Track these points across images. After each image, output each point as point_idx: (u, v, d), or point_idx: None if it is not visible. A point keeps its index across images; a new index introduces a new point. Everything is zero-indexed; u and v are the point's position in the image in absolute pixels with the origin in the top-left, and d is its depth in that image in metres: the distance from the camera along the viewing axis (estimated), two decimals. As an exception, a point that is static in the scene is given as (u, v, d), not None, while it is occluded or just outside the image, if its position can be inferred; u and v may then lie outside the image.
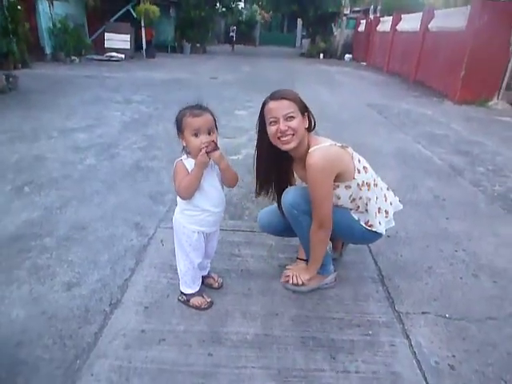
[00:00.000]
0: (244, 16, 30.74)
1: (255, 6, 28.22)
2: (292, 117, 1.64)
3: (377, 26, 16.61)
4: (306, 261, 2.01)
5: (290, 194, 1.80)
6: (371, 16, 19.22)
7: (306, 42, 23.06)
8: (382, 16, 17.43)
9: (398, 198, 1.96)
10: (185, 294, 1.82)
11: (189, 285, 1.80)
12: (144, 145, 4.21)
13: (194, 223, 1.68)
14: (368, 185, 1.76)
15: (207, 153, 1.54)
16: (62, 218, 2.58)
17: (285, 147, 1.69)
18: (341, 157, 1.70)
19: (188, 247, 1.71)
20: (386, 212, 1.86)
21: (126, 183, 3.20)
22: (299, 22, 28.49)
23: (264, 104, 1.71)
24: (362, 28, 19.32)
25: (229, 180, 1.70)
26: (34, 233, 2.38)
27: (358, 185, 1.73)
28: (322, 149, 1.65)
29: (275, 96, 1.68)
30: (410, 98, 8.93)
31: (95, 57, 12.70)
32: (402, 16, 13.52)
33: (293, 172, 1.96)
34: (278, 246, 2.39)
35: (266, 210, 2.14)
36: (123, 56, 13.22)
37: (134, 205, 2.83)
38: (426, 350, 1.64)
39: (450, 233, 2.69)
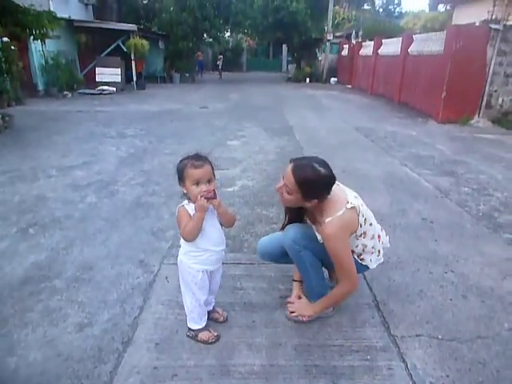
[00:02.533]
0: (231, 44, 31.60)
1: (241, 35, 29.05)
2: (288, 192, 1.81)
3: (359, 50, 17.22)
4: (301, 282, 2.17)
5: (291, 232, 1.94)
6: (353, 41, 19.93)
7: (292, 67, 23.73)
8: (364, 41, 18.10)
9: (388, 238, 2.11)
10: (193, 330, 1.93)
11: (196, 321, 1.91)
12: (142, 180, 4.34)
13: (198, 263, 1.81)
14: (365, 233, 1.91)
15: (206, 199, 1.68)
16: (69, 258, 2.69)
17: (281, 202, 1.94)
18: (353, 222, 1.83)
19: (194, 286, 1.83)
20: (379, 251, 2.02)
21: (127, 220, 3.32)
22: (284, 47, 29.37)
23: (291, 160, 1.84)
24: (345, 52, 20.00)
25: (227, 222, 1.85)
26: (42, 275, 2.47)
27: (356, 235, 1.89)
28: (336, 220, 1.77)
29: (293, 163, 1.80)
30: (395, 119, 9.25)
31: (87, 91, 12.95)
32: (383, 41, 14.08)
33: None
34: (277, 277, 2.51)
35: (265, 238, 2.28)
36: (114, 89, 13.51)
37: (137, 242, 2.94)
38: (421, 372, 1.76)
39: (438, 255, 2.84)
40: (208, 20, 18.23)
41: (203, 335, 1.91)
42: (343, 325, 2.08)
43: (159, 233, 3.11)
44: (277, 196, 3.79)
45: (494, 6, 8.31)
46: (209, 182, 1.72)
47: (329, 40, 20.58)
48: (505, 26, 7.89)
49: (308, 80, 20.92)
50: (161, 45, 19.78)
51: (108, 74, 14.08)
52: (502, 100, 8.42)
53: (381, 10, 40.37)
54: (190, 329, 1.94)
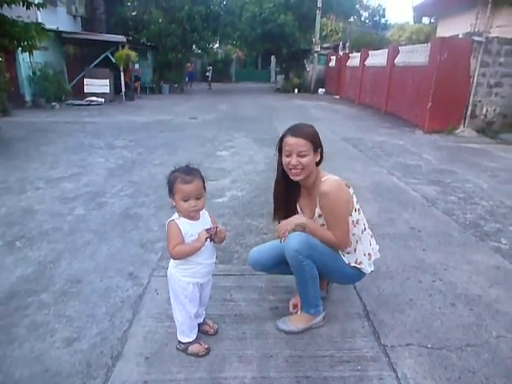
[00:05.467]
0: (220, 55, 31.84)
1: (230, 46, 29.31)
2: (304, 155, 1.86)
3: (346, 61, 17.51)
4: None
5: (293, 240, 1.90)
6: (341, 52, 20.25)
7: (281, 77, 23.96)
8: (351, 52, 18.40)
9: (378, 246, 2.14)
10: (183, 343, 1.91)
11: (186, 334, 1.90)
12: (131, 192, 4.32)
13: (189, 276, 1.81)
14: (359, 224, 1.97)
15: (209, 236, 1.73)
16: (56, 271, 2.65)
17: (294, 178, 1.94)
18: (347, 192, 1.94)
19: (184, 299, 1.82)
20: (369, 255, 2.04)
21: (116, 232, 3.29)
22: (273, 58, 29.68)
23: (283, 136, 1.94)
24: (332, 63, 20.30)
25: (219, 242, 1.85)
26: (29, 289, 2.43)
27: (353, 222, 1.94)
28: (335, 179, 1.92)
29: (294, 132, 1.90)
30: (383, 129, 9.38)
31: (75, 102, 12.89)
32: (370, 52, 14.34)
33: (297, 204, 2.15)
34: (268, 288, 2.51)
35: (257, 248, 2.28)
36: (103, 100, 13.47)
37: (126, 254, 2.92)
38: (412, 381, 1.77)
39: (427, 264, 2.87)
40: (197, 31, 18.36)
41: (193, 348, 1.90)
42: (333, 335, 2.08)
43: (148, 245, 3.09)
44: (267, 206, 3.84)
45: (477, 18, 8.54)
46: (198, 198, 1.73)
47: (317, 51, 20.87)
48: (487, 38, 8.11)
49: (296, 91, 21.12)
50: (149, 56, 19.87)
51: (97, 85, 14.05)
52: (486, 110, 8.61)
53: (367, 21, 41.14)
54: (180, 342, 1.92)
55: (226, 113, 11.94)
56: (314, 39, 21.00)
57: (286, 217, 2.09)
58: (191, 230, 1.77)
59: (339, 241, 1.93)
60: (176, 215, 1.79)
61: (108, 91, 14.15)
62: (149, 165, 5.48)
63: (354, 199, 1.98)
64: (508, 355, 1.95)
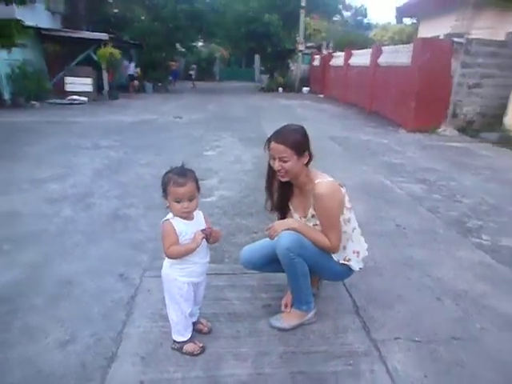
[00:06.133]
0: (204, 54, 31.69)
1: (214, 45, 29.22)
2: (286, 161, 1.90)
3: (330, 60, 17.65)
4: None
5: (284, 239, 1.94)
6: (324, 51, 20.41)
7: (265, 76, 24.01)
8: (334, 51, 18.57)
9: (366, 245, 2.19)
10: (178, 342, 1.93)
11: (181, 333, 1.91)
12: (119, 192, 4.29)
13: (184, 275, 1.83)
14: (350, 222, 2.02)
15: (205, 236, 1.76)
16: (47, 274, 2.62)
17: (280, 179, 2.00)
18: (340, 192, 1.99)
19: (179, 298, 1.84)
20: (358, 253, 2.09)
21: (105, 234, 3.27)
22: (257, 57, 29.73)
23: (269, 139, 1.98)
24: (316, 63, 20.45)
25: (214, 242, 1.88)
26: (20, 292, 2.40)
27: (345, 220, 1.99)
28: (328, 181, 1.96)
29: (277, 137, 1.94)
30: (368, 128, 9.52)
31: (57, 101, 12.67)
32: (353, 52, 14.51)
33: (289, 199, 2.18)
34: (260, 286, 2.54)
35: (249, 247, 2.31)
36: (86, 99, 13.28)
37: (116, 255, 2.91)
38: (402, 374, 1.83)
39: (414, 260, 2.95)
40: (181, 30, 18.26)
41: (188, 347, 1.92)
42: (326, 331, 2.13)
43: (139, 245, 3.08)
44: (256, 206, 3.87)
45: (457, 20, 8.74)
46: (190, 199, 1.75)
47: (301, 51, 21.01)
48: (467, 39, 8.31)
49: (281, 90, 21.20)
50: (133, 54, 19.66)
51: (79, 84, 13.84)
52: (466, 110, 8.82)
53: (349, 20, 41.53)
54: (175, 341, 1.94)
55: (211, 112, 11.92)
56: (298, 38, 21.12)
57: (280, 216, 2.13)
58: (185, 229, 1.79)
59: (333, 244, 1.97)
60: (170, 215, 1.80)
61: (91, 90, 13.96)
62: (136, 165, 5.44)
63: (346, 198, 2.03)
64: (493, 347, 2.03)
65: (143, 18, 18.36)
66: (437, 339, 2.08)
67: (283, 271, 2.28)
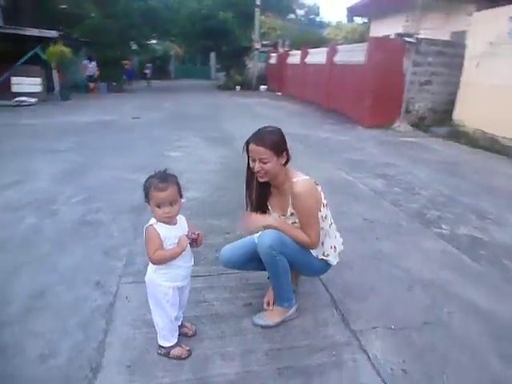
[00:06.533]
0: (158, 52, 31.03)
1: (168, 43, 28.70)
2: (266, 162, 1.95)
3: (287, 58, 17.90)
4: None
5: (266, 237, 2.00)
6: (281, 49, 20.65)
7: (222, 74, 23.95)
8: (291, 50, 18.84)
9: (341, 240, 2.28)
10: (164, 347, 1.93)
11: (168, 338, 1.92)
12: (84, 198, 4.15)
13: (169, 280, 1.83)
14: (327, 219, 2.10)
15: (190, 241, 1.79)
16: (17, 286, 2.51)
17: (260, 180, 2.05)
18: (317, 191, 2.07)
19: (165, 303, 1.84)
20: (335, 248, 2.18)
21: (75, 241, 3.17)
22: (212, 55, 29.57)
23: (248, 142, 2.02)
24: (273, 61, 20.67)
25: (197, 246, 1.90)
26: (-12, 307, 2.29)
27: (322, 217, 2.06)
28: (305, 180, 2.04)
29: (256, 140, 1.98)
30: (327, 125, 9.77)
31: (2, 102, 11.95)
32: (309, 50, 14.80)
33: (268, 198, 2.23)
34: (238, 286, 2.58)
35: (228, 247, 2.33)
36: (35, 100, 12.62)
37: (89, 263, 2.83)
38: (382, 360, 1.94)
39: (383, 253, 3.10)
40: (135, 27, 17.78)
41: (175, 351, 1.92)
42: (307, 326, 2.20)
43: (112, 252, 3.02)
44: (226, 206, 3.89)
45: (407, 21, 9.17)
46: (172, 204, 1.76)
47: (257, 49, 21.12)
48: (417, 39, 8.75)
49: (238, 88, 21.22)
50: (84, 53, 18.88)
51: (26, 84, 13.13)
52: (418, 106, 9.29)
53: (303, 19, 42.26)
54: (161, 346, 1.94)
55: (170, 111, 11.73)
56: (253, 36, 21.22)
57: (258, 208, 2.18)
58: (169, 234, 1.79)
59: (313, 241, 2.03)
60: (154, 220, 1.80)
61: (40, 90, 13.29)
62: (98, 168, 5.27)
63: (322, 195, 2.11)
64: (460, 330, 2.20)
65: (94, 14, 17.66)
66: (410, 326, 2.22)
67: (263, 269, 2.34)
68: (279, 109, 13.12)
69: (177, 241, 1.79)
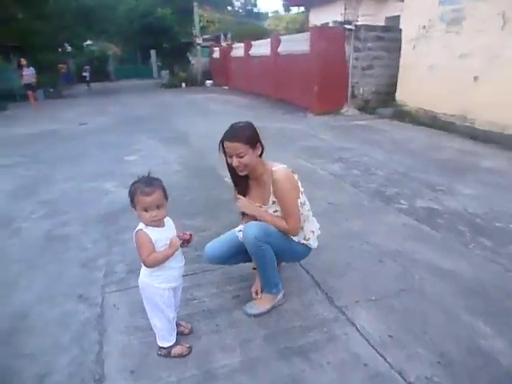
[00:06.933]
0: (95, 53, 29.75)
1: (105, 43, 27.61)
2: (243, 156, 2.03)
3: (230, 52, 17.89)
4: None
5: (252, 229, 2.09)
6: (223, 43, 20.57)
7: (165, 72, 23.45)
8: (233, 43, 18.84)
9: (318, 225, 2.42)
10: (164, 348, 1.97)
11: (167, 338, 1.96)
12: (46, 212, 4.00)
13: (164, 281, 1.87)
14: (305, 205, 2.22)
15: (182, 241, 1.82)
16: (-6, 311, 2.42)
17: (240, 173, 2.14)
18: (294, 178, 2.18)
19: (162, 305, 1.88)
20: (313, 232, 2.32)
21: (47, 257, 3.07)
22: (153, 53, 28.83)
23: (222, 140, 2.10)
24: (216, 55, 20.57)
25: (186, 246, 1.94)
26: (-32, 336, 2.20)
27: (301, 203, 2.17)
28: (283, 167, 2.15)
29: (229, 137, 2.06)
30: (278, 116, 9.96)
31: None
32: (252, 43, 14.90)
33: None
34: (223, 280, 2.65)
35: (212, 243, 2.39)
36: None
37: (67, 278, 2.77)
38: (370, 330, 2.11)
39: (352, 231, 3.30)
40: (68, 28, 16.93)
41: (176, 350, 1.97)
42: (296, 308, 2.33)
43: (89, 263, 2.96)
44: (196, 205, 3.93)
45: (346, 9, 9.51)
46: (158, 207, 1.79)
47: (199, 44, 20.90)
48: (356, 26, 9.12)
49: (184, 85, 20.92)
50: (14, 58, 17.70)
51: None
52: (363, 90, 9.72)
53: (240, 10, 42.26)
54: (161, 347, 1.97)
55: (118, 115, 11.38)
56: (194, 32, 20.97)
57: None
58: (159, 236, 1.82)
59: (294, 226, 2.15)
60: (142, 225, 1.82)
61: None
62: (55, 180, 5.06)
63: (299, 183, 2.22)
64: (432, 292, 2.42)
65: (21, 16, 16.52)
66: (388, 295, 2.41)
67: (246, 261, 2.45)
68: (229, 103, 13.14)
69: (168, 242, 1.83)
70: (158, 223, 1.84)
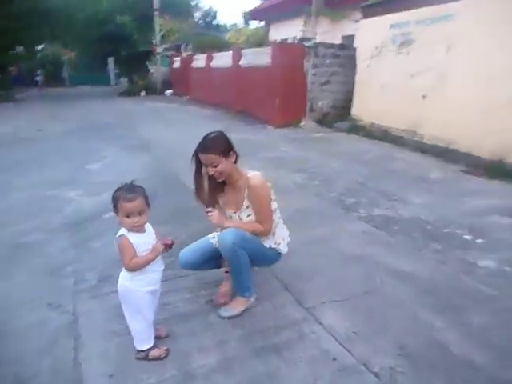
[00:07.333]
0: (49, 57, 28.66)
1: (60, 48, 26.72)
2: (217, 165, 2.15)
3: (191, 62, 17.93)
4: None
5: (228, 235, 2.19)
6: (184, 53, 20.59)
7: (124, 80, 23.08)
8: (194, 53, 18.90)
9: (288, 232, 2.57)
10: (142, 351, 2.01)
11: (145, 341, 2.01)
12: (6, 221, 3.84)
13: (145, 285, 1.93)
14: (276, 212, 2.38)
15: (165, 246, 1.92)
16: (-42, 322, 2.34)
17: (218, 180, 2.26)
18: (268, 185, 2.33)
19: (144, 308, 1.94)
20: (284, 238, 2.47)
21: (12, 266, 2.99)
22: (111, 60, 28.25)
23: (196, 153, 2.22)
24: (177, 65, 20.50)
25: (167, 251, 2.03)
26: None
27: (273, 210, 2.32)
28: (258, 174, 2.30)
29: (202, 149, 2.18)
30: (239, 127, 10.11)
31: None
32: (214, 54, 15.05)
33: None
34: (196, 286, 2.73)
35: (186, 250, 2.48)
36: None
37: (36, 287, 2.72)
38: (336, 328, 2.27)
39: (317, 237, 3.49)
40: (22, 31, 16.26)
41: (154, 352, 2.02)
42: (267, 310, 2.45)
43: (56, 271, 2.93)
44: (165, 213, 3.97)
45: (305, 26, 9.94)
46: (140, 213, 1.87)
47: (159, 53, 20.79)
48: (315, 43, 9.54)
49: (144, 93, 20.66)
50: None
51: None
52: (321, 104, 10.13)
53: (200, 21, 42.43)
54: (139, 351, 2.02)
55: (77, 121, 11.07)
56: (154, 40, 20.84)
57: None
58: (140, 241, 1.90)
59: (267, 228, 2.31)
60: (124, 230, 1.89)
61: None
62: (13, 189, 4.86)
63: (271, 190, 2.37)
64: (392, 292, 2.64)
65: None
66: (352, 296, 2.60)
67: (219, 267, 2.56)
68: (190, 113, 13.19)
69: (149, 247, 1.90)
70: (140, 229, 1.91)
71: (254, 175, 2.28)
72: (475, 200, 4.56)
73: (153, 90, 20.99)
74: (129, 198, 1.83)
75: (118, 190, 1.87)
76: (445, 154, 6.65)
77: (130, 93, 20.75)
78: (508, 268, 3.02)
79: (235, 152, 2.29)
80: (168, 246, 1.94)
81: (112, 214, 4.00)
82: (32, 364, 2.01)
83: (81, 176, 5.42)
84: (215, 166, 2.18)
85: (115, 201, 1.85)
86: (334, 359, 2.03)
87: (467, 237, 3.57)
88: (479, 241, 3.49)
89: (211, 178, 2.27)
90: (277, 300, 2.57)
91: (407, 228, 3.76)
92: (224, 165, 2.19)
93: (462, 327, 2.31)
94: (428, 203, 4.45)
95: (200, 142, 2.23)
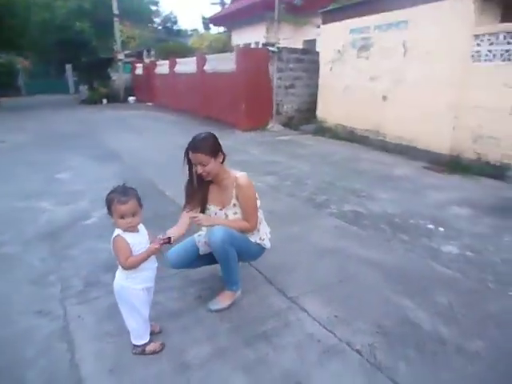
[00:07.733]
0: (2, 65, 27.45)
1: (13, 56, 25.67)
2: (205, 164, 2.29)
3: (155, 68, 17.83)
4: None
5: (218, 233, 2.30)
6: (146, 60, 20.40)
7: (84, 88, 22.48)
8: (157, 60, 18.80)
9: (269, 229, 2.73)
10: (139, 346, 2.11)
11: (142, 336, 2.11)
12: (-21, 233, 3.80)
13: (141, 282, 2.03)
14: (260, 209, 2.55)
15: (162, 243, 2.01)
16: None
17: (205, 179, 2.39)
18: (252, 184, 2.49)
19: (140, 305, 2.04)
20: (267, 234, 2.63)
21: (-8, 278, 2.98)
22: (68, 67, 27.46)
23: (186, 152, 2.33)
24: (139, 71, 20.30)
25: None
26: None
27: (258, 207, 2.48)
28: (245, 174, 2.46)
29: (192, 148, 2.30)
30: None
31: None
32: (177, 60, 15.06)
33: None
34: (183, 284, 2.83)
35: (174, 249, 2.56)
36: None
37: (21, 297, 2.72)
38: (318, 313, 2.46)
39: (293, 234, 3.68)
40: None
41: (150, 347, 2.12)
42: (254, 302, 2.60)
43: (40, 280, 2.93)
44: (145, 218, 4.01)
45: (267, 31, 10.20)
46: (133, 215, 1.97)
47: (120, 59, 20.47)
48: (278, 48, 9.82)
49: (106, 101, 20.25)
50: None
51: None
52: (286, 107, 10.43)
53: (160, 27, 42.07)
54: (135, 346, 2.11)
55: (38, 131, 10.73)
56: (115, 47, 20.51)
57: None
58: (135, 241, 2.00)
59: (253, 225, 2.46)
60: (119, 230, 1.98)
61: None
62: (-19, 201, 4.77)
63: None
64: (365, 280, 2.87)
65: None
66: (330, 284, 2.80)
67: (208, 264, 2.68)
68: (156, 119, 13.13)
69: (142, 246, 2.01)
70: (133, 229, 2.01)
71: (241, 175, 2.43)
72: (436, 194, 4.93)
73: (115, 98, 20.61)
74: (122, 201, 1.92)
75: (112, 192, 1.96)
76: (407, 151, 7.07)
77: (92, 101, 20.24)
78: (469, 253, 3.34)
79: (223, 153, 2.43)
80: (166, 243, 2.04)
81: (88, 221, 4.10)
82: (23, 374, 2.02)
83: (52, 186, 5.35)
84: (204, 165, 2.31)
85: (109, 203, 1.94)
86: (319, 341, 2.21)
87: (431, 226, 3.88)
88: (441, 229, 3.81)
89: (199, 176, 2.39)
90: (261, 292, 2.72)
91: (376, 221, 4.02)
92: (212, 165, 2.33)
93: (431, 307, 2.55)
94: (394, 198, 4.75)
95: (190, 142, 2.35)
